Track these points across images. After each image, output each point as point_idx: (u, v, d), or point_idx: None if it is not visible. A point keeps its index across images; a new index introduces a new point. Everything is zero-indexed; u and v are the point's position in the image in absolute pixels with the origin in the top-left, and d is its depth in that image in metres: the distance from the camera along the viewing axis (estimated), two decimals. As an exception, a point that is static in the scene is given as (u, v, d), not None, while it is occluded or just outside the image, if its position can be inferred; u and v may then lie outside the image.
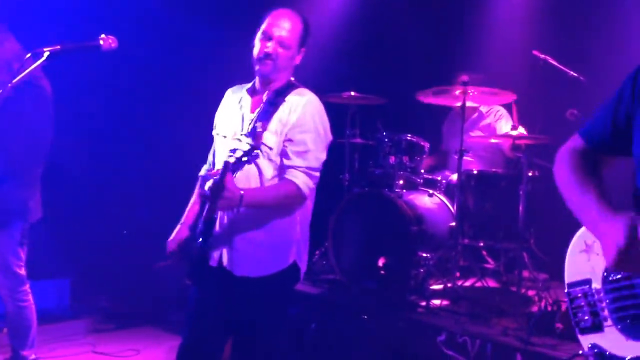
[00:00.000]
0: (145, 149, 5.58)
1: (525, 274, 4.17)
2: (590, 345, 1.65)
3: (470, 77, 4.42)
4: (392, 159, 4.57)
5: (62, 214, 5.20)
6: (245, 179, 2.50)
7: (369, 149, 5.01)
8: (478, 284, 4.21)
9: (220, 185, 2.30)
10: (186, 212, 2.70)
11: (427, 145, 4.68)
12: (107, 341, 4.55)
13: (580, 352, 1.69)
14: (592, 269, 1.70)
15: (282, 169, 2.51)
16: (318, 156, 2.54)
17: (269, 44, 2.52)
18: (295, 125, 2.50)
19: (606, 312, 1.62)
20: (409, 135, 4.60)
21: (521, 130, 4.29)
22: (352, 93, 4.90)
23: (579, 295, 1.70)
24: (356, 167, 5.10)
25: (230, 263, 2.51)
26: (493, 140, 4.94)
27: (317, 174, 2.56)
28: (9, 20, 3.41)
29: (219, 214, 2.53)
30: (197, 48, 5.58)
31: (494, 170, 4.70)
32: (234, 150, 2.39)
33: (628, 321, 1.55)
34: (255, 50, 2.56)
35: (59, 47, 2.56)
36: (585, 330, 1.67)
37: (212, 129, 2.77)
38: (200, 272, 2.55)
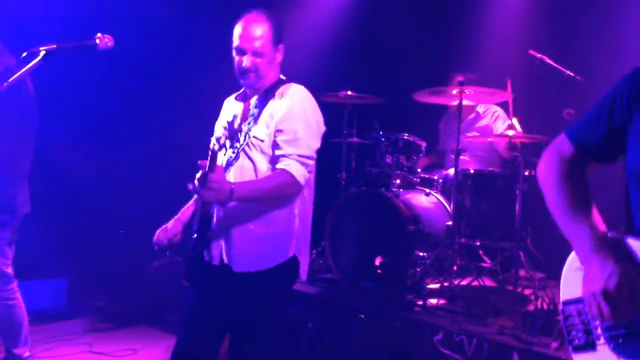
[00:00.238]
0: (143, 149, 5.58)
1: (522, 273, 4.18)
2: None
3: (466, 77, 4.43)
4: (389, 159, 4.57)
5: (60, 214, 5.20)
6: (240, 173, 2.52)
7: (365, 149, 5.01)
8: (475, 283, 4.21)
9: (206, 175, 2.28)
10: (182, 210, 2.70)
11: (424, 144, 4.68)
12: (104, 341, 4.55)
13: None
14: None
15: (275, 161, 2.50)
16: (310, 144, 2.52)
17: (245, 58, 2.53)
18: (284, 115, 2.51)
19: (599, 331, 1.62)
20: (406, 134, 4.60)
21: (515, 123, 4.30)
22: (349, 92, 4.90)
23: (573, 313, 1.70)
24: (353, 166, 5.11)
25: (230, 259, 2.51)
26: (489, 140, 4.95)
27: (311, 162, 2.54)
28: (5, 20, 3.42)
29: (215, 211, 2.53)
30: (195, 47, 5.59)
31: (490, 169, 4.71)
32: (218, 139, 2.37)
33: (620, 340, 1.56)
34: (235, 66, 2.58)
35: (55, 46, 2.56)
36: (579, 348, 1.67)
37: (209, 128, 2.79)
38: (197, 272, 2.55)
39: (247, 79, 2.58)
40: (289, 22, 5.83)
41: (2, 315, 3.41)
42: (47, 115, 4.95)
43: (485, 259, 4.64)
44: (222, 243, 2.52)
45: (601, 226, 1.65)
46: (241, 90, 2.73)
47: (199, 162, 2.30)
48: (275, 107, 2.54)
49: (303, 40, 5.84)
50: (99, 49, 2.64)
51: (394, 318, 3.80)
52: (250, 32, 2.52)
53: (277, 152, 2.49)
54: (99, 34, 2.63)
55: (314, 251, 4.74)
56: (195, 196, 2.69)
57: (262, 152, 2.51)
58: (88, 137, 5.41)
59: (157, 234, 2.63)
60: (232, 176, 2.52)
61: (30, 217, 4.06)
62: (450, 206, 4.44)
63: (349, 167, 5.08)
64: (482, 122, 5.17)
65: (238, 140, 2.56)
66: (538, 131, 4.23)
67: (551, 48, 4.55)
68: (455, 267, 4.30)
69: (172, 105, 5.57)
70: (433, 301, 4.01)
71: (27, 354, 3.49)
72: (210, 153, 2.30)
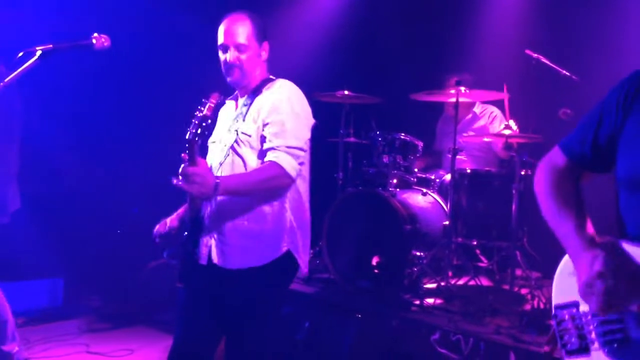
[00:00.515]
0: (139, 148, 5.58)
1: (518, 272, 4.18)
2: None
3: (462, 77, 4.43)
4: (385, 158, 4.58)
5: (56, 214, 5.20)
6: (231, 170, 2.52)
7: (362, 148, 5.02)
8: (471, 283, 4.22)
9: (185, 170, 2.27)
10: (184, 206, 2.70)
11: (420, 144, 4.69)
12: (100, 341, 4.54)
13: None
14: None
15: (263, 155, 2.49)
16: (297, 135, 2.50)
17: (228, 53, 2.56)
18: (270, 108, 2.51)
19: (593, 335, 1.61)
20: (403, 134, 4.61)
21: (512, 124, 4.30)
22: (346, 92, 4.90)
23: (566, 317, 1.69)
24: (350, 166, 5.11)
25: (220, 258, 2.50)
26: (486, 140, 4.95)
27: (301, 153, 2.51)
28: (1, 20, 3.42)
29: (205, 207, 2.52)
30: (190, 46, 5.57)
31: (487, 169, 4.72)
32: (193, 127, 2.34)
33: (615, 345, 1.55)
34: (221, 65, 2.61)
35: (51, 46, 2.56)
36: (572, 353, 1.66)
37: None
38: (191, 271, 2.54)
39: (232, 75, 2.59)
40: (285, 22, 5.84)
41: None
42: (43, 114, 4.96)
43: (482, 258, 4.64)
44: (213, 240, 2.51)
45: (591, 229, 1.67)
46: (234, 93, 2.76)
47: (182, 154, 2.29)
48: (262, 102, 2.55)
49: (300, 40, 5.85)
50: (96, 48, 2.64)
51: (391, 318, 3.81)
52: (232, 28, 2.56)
53: (266, 146, 2.48)
54: (95, 34, 2.63)
55: (310, 251, 4.73)
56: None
57: (251, 148, 2.52)
58: (83, 137, 5.40)
59: (157, 227, 2.63)
60: (223, 174, 2.52)
61: (27, 217, 4.06)
62: (447, 206, 4.45)
63: (345, 166, 5.08)
64: (479, 123, 5.17)
65: (228, 139, 2.57)
66: (534, 131, 4.24)
67: (547, 48, 4.56)
68: (451, 267, 4.31)
69: (167, 103, 5.56)
70: (430, 301, 4.02)
71: (15, 349, 3.50)
72: (187, 144, 2.28)
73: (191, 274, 2.54)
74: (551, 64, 4.33)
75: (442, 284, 4.15)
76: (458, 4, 5.79)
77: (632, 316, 1.53)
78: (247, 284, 2.49)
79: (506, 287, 4.17)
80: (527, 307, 3.85)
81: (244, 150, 2.53)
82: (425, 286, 4.20)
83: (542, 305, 3.70)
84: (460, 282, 4.27)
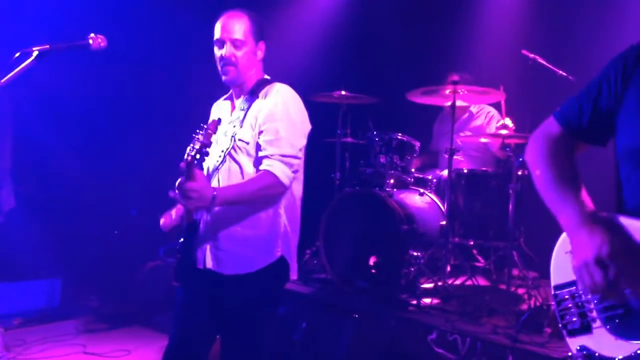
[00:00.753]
0: (136, 150, 5.58)
1: (515, 272, 4.19)
2: (578, 348, 1.61)
3: (460, 76, 4.44)
4: (382, 158, 4.58)
5: (54, 214, 5.19)
6: (227, 176, 2.51)
7: (359, 148, 5.02)
8: (468, 283, 4.23)
9: (182, 186, 2.29)
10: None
11: (417, 144, 4.69)
12: (98, 341, 4.54)
13: (570, 354, 1.64)
14: None
15: (258, 162, 2.49)
16: (292, 142, 2.49)
17: (223, 49, 2.54)
18: (266, 115, 2.49)
19: (594, 313, 1.59)
20: (400, 134, 4.61)
21: (507, 122, 4.31)
22: (343, 92, 4.90)
23: (567, 297, 1.66)
24: (347, 166, 5.12)
25: (215, 263, 2.51)
26: (483, 140, 4.96)
27: (295, 161, 2.50)
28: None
29: (201, 214, 2.53)
30: (189, 47, 5.57)
31: (484, 169, 4.72)
32: (191, 150, 2.34)
33: (617, 320, 1.53)
34: (217, 62, 2.59)
35: (47, 46, 2.55)
36: (574, 332, 1.63)
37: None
38: (187, 272, 2.54)
39: (227, 74, 2.57)
40: (282, 22, 5.84)
41: None
42: (40, 115, 4.96)
43: (479, 258, 4.65)
44: (209, 246, 2.52)
45: (589, 202, 1.62)
46: (228, 93, 2.74)
47: (181, 164, 2.30)
48: (259, 108, 2.53)
49: (297, 40, 5.86)
50: (92, 49, 2.63)
51: (388, 318, 3.81)
52: (229, 24, 2.54)
53: (260, 154, 2.48)
54: (92, 34, 2.62)
55: (308, 251, 4.75)
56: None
57: (248, 155, 2.51)
58: (81, 137, 5.40)
59: (163, 221, 2.63)
60: (219, 180, 2.52)
61: (25, 218, 4.06)
62: (444, 206, 4.46)
63: (343, 167, 5.08)
64: (476, 122, 5.18)
65: (224, 144, 2.55)
66: (531, 131, 4.23)
67: (544, 48, 4.57)
68: (449, 267, 4.31)
69: (165, 104, 5.57)
70: (427, 301, 4.02)
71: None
72: (185, 164, 2.28)
73: (188, 274, 2.55)
74: (547, 64, 4.35)
75: (439, 283, 4.15)
76: (455, 5, 5.80)
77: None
78: (241, 289, 2.50)
79: (503, 287, 4.17)
80: (524, 306, 3.86)
81: (241, 157, 2.52)
82: (422, 286, 4.20)
83: (539, 305, 3.70)
84: (457, 282, 4.27)
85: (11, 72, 2.51)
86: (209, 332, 2.61)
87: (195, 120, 2.84)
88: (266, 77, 2.68)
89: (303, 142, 2.56)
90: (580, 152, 1.77)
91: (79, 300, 5.20)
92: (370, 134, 4.66)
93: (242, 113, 2.57)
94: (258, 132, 2.50)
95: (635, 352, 1.47)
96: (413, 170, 4.75)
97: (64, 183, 5.31)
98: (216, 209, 2.48)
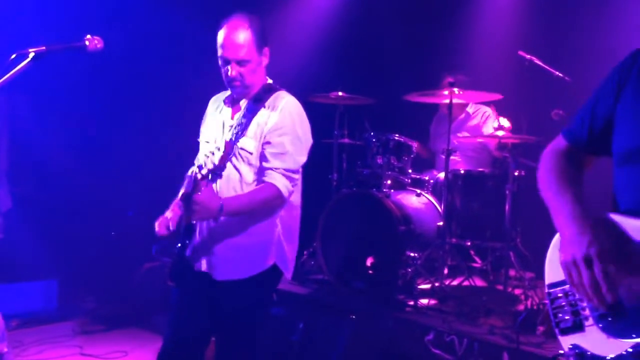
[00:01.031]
0: (133, 151, 5.57)
1: (512, 272, 4.20)
2: (571, 346, 1.61)
3: (456, 78, 4.45)
4: (380, 159, 4.58)
5: (50, 216, 5.18)
6: (226, 183, 2.52)
7: (357, 149, 5.02)
8: (465, 283, 4.23)
9: (189, 198, 2.29)
10: (174, 202, 2.69)
11: (414, 145, 4.69)
12: (95, 343, 4.54)
13: (561, 351, 1.65)
14: None
15: (261, 172, 2.51)
16: (297, 159, 2.54)
17: (229, 67, 2.51)
18: (274, 128, 2.51)
19: (587, 311, 1.59)
20: (397, 135, 4.61)
21: (504, 122, 4.31)
22: (340, 93, 4.91)
23: (560, 295, 1.67)
24: (344, 167, 5.12)
25: (210, 267, 2.52)
26: (479, 140, 4.97)
27: (296, 176, 2.56)
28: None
29: (199, 222, 2.53)
30: (184, 48, 5.57)
31: (480, 169, 4.73)
32: (200, 167, 2.35)
33: (610, 318, 1.53)
34: (222, 75, 2.57)
35: (44, 48, 2.55)
36: (566, 331, 1.64)
37: (198, 129, 2.79)
38: (182, 274, 2.56)
39: (234, 88, 2.58)
40: (279, 22, 5.84)
41: None
42: (36, 117, 4.95)
43: (476, 259, 4.66)
44: (204, 252, 2.53)
45: (583, 203, 1.64)
46: (229, 92, 2.71)
47: (188, 174, 2.32)
48: (265, 118, 2.53)
49: (294, 41, 5.86)
50: (89, 50, 2.63)
51: (386, 318, 3.82)
52: (233, 41, 2.48)
53: (265, 164, 2.50)
54: (88, 36, 2.62)
55: (305, 252, 4.75)
56: (186, 182, 2.70)
57: (249, 164, 2.52)
58: (78, 138, 5.40)
59: (158, 225, 2.58)
60: (217, 185, 2.53)
61: (22, 219, 4.05)
62: (441, 206, 4.46)
63: (340, 168, 5.09)
64: (473, 122, 5.19)
65: (225, 151, 2.53)
66: (527, 131, 4.26)
67: (540, 49, 4.58)
68: (446, 268, 4.32)
69: (162, 106, 5.56)
70: (424, 301, 4.03)
71: (5, 350, 3.49)
72: (193, 179, 2.29)
73: (183, 274, 2.56)
74: (544, 65, 4.35)
75: (436, 284, 4.16)
76: (452, 6, 5.81)
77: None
78: (233, 294, 2.52)
79: (500, 287, 4.18)
80: (521, 307, 3.86)
81: (242, 166, 2.53)
82: (419, 287, 4.21)
83: (535, 306, 3.71)
84: (454, 282, 4.28)
85: (7, 73, 2.50)
86: (204, 333, 2.63)
87: (193, 121, 2.84)
88: (269, 80, 2.68)
89: (305, 158, 2.61)
90: (591, 165, 1.81)
91: (76, 302, 5.19)
92: (367, 134, 4.67)
93: (245, 120, 2.55)
94: (263, 143, 2.51)
95: (627, 351, 1.47)
96: (410, 170, 4.75)
97: (61, 184, 5.30)
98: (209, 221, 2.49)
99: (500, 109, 4.95)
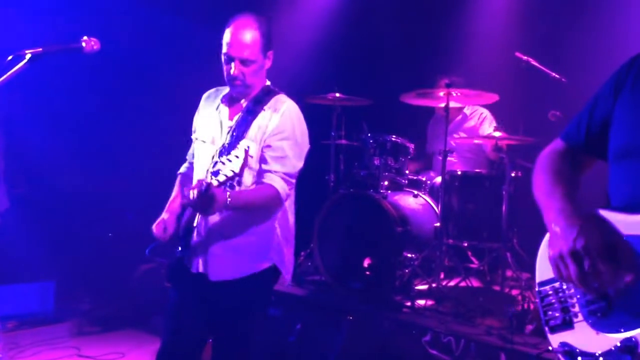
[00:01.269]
0: (131, 152, 5.56)
1: (509, 273, 4.20)
2: (560, 344, 1.63)
3: (452, 79, 4.45)
4: (377, 160, 4.59)
5: (48, 217, 5.17)
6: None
7: (354, 150, 5.02)
8: (462, 284, 4.24)
9: (206, 196, 2.22)
10: (169, 202, 2.69)
11: (412, 146, 4.70)
12: (91, 344, 4.53)
13: (550, 348, 1.67)
14: None
15: (260, 175, 2.52)
16: (295, 164, 2.57)
17: (232, 65, 2.51)
18: (274, 132, 2.52)
19: (577, 308, 1.61)
20: (394, 136, 4.62)
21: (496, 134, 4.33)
22: (337, 94, 4.91)
23: (550, 292, 1.69)
24: (341, 168, 5.12)
25: (207, 268, 2.52)
26: (476, 141, 4.98)
27: (293, 180, 2.59)
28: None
29: (197, 221, 2.53)
30: (183, 49, 5.57)
31: (477, 171, 4.74)
32: (216, 173, 2.27)
33: (599, 314, 1.55)
34: (224, 72, 2.56)
35: (40, 49, 2.55)
36: (556, 329, 1.65)
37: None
38: (179, 275, 2.57)
39: (235, 87, 2.58)
40: (277, 23, 5.83)
41: None
42: (34, 118, 4.94)
43: (473, 259, 4.66)
44: (203, 253, 2.53)
45: (574, 201, 1.66)
46: (227, 90, 2.69)
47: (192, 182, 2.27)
48: (266, 122, 2.53)
49: (291, 42, 5.85)
50: (85, 51, 2.62)
51: (383, 319, 3.82)
52: (240, 40, 2.48)
53: (264, 167, 2.52)
54: (85, 37, 2.62)
55: (302, 253, 4.75)
56: (176, 191, 2.70)
57: (249, 168, 2.51)
58: (76, 140, 5.38)
59: (156, 227, 2.55)
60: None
61: (19, 220, 4.04)
62: (437, 207, 4.46)
63: (337, 169, 5.09)
64: (469, 124, 5.20)
65: (225, 152, 2.52)
66: (524, 133, 4.27)
67: (537, 50, 4.59)
68: (443, 269, 4.32)
69: (160, 108, 5.55)
70: (421, 302, 4.04)
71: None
72: (205, 185, 2.20)
73: (180, 276, 2.57)
74: (541, 67, 4.37)
75: (433, 285, 4.16)
76: (449, 7, 5.82)
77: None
78: (229, 294, 2.53)
79: (497, 288, 4.19)
80: (518, 308, 3.87)
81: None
82: (416, 287, 4.22)
83: (532, 306, 3.72)
84: (451, 283, 4.29)
85: (3, 75, 2.50)
86: (201, 334, 2.63)
87: (191, 123, 2.84)
88: (267, 82, 2.68)
89: (302, 163, 2.62)
90: (588, 168, 1.82)
91: (72, 303, 5.18)
92: (365, 136, 4.67)
93: (246, 122, 2.55)
94: (263, 146, 2.52)
95: (615, 346, 1.49)
96: (407, 172, 4.76)
97: (58, 185, 5.29)
98: (213, 215, 2.48)
99: (497, 110, 4.96)
